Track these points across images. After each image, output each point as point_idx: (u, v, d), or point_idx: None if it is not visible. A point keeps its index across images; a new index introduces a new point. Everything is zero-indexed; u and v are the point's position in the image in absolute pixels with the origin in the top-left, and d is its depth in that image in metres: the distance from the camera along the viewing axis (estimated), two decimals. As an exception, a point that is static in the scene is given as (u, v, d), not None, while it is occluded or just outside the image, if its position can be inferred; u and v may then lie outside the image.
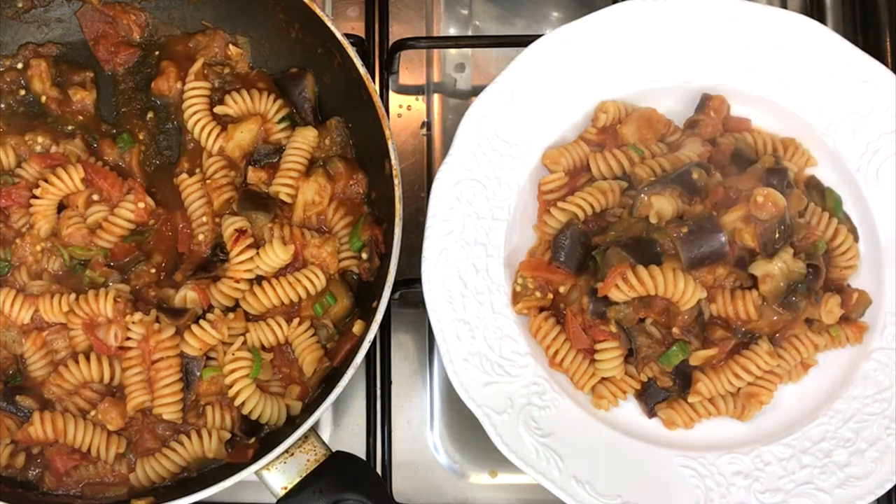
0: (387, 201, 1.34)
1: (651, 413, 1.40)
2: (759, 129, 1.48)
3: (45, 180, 1.38)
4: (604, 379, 1.39)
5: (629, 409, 1.40)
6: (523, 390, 1.36)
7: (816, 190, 1.45)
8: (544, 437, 1.35)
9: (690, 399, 1.37)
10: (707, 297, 1.33)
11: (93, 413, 1.33)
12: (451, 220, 1.39)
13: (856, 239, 1.43)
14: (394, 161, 1.32)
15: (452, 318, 1.36)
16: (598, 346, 1.37)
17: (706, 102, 1.45)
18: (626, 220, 1.37)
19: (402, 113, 1.66)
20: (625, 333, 1.35)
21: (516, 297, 1.39)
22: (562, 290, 1.39)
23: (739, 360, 1.36)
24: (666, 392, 1.39)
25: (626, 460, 1.36)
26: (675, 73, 1.46)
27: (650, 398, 1.39)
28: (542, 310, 1.41)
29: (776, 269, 1.31)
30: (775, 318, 1.34)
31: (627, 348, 1.36)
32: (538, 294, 1.39)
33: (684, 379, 1.37)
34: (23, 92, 1.47)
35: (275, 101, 1.44)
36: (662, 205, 1.33)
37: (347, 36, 1.40)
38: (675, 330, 1.34)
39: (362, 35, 1.62)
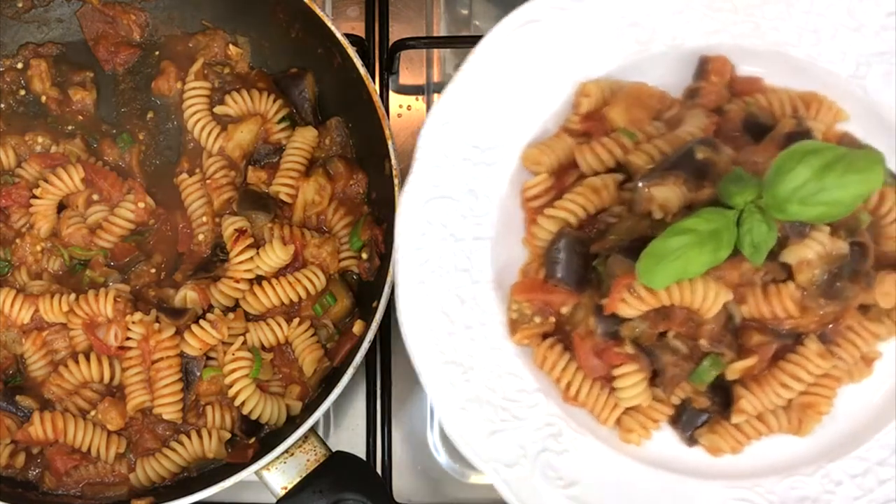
0: (387, 201, 1.34)
1: (691, 441, 1.19)
2: (773, 87, 1.24)
3: (45, 180, 1.38)
4: (629, 409, 1.18)
5: (665, 440, 1.19)
6: (536, 434, 1.15)
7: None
8: (568, 486, 1.14)
9: (734, 419, 1.16)
10: (734, 297, 1.11)
11: (93, 413, 1.33)
12: (425, 248, 1.17)
13: (907, 200, 1.18)
14: (394, 161, 1.32)
15: (441, 362, 1.16)
16: (615, 372, 1.16)
17: (705, 66, 1.24)
18: (627, 219, 1.16)
19: (402, 113, 1.66)
20: (644, 353, 1.15)
21: (514, 327, 1.19)
22: (564, 311, 1.19)
23: (786, 367, 1.15)
24: (705, 414, 1.18)
25: (668, 501, 1.16)
26: (662, 36, 1.23)
27: (687, 424, 1.19)
28: (545, 337, 1.20)
29: (812, 254, 1.08)
30: (821, 311, 1.12)
31: (650, 370, 1.16)
32: (538, 320, 1.18)
33: (724, 396, 1.17)
34: (23, 92, 1.47)
35: (275, 101, 1.44)
36: (666, 195, 1.11)
37: (347, 36, 1.39)
38: (702, 341, 1.13)
39: (362, 35, 1.62)
